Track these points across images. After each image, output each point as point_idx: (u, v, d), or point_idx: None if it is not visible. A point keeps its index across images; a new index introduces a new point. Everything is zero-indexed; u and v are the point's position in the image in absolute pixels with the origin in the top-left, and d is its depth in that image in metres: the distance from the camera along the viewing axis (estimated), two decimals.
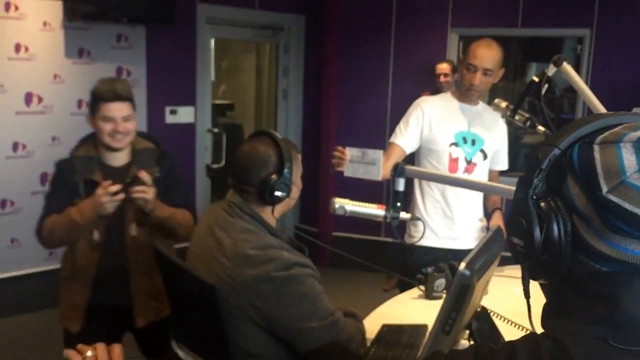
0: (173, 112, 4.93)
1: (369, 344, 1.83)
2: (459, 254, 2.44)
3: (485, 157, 2.75)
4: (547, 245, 0.84)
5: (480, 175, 2.74)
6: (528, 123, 2.54)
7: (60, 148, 3.97)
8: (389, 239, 5.24)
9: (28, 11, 4.06)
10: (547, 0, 4.92)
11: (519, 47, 5.92)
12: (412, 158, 2.80)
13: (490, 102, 2.73)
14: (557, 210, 0.84)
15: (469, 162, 2.72)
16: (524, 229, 0.87)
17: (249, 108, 7.50)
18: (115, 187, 2.15)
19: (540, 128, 2.52)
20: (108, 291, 2.31)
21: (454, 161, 2.70)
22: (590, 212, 0.82)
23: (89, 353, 1.09)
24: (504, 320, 1.76)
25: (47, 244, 2.32)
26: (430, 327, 1.38)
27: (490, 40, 2.67)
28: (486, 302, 1.69)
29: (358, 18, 5.38)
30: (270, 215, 1.77)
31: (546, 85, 2.50)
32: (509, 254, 0.95)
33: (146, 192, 2.18)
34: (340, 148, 2.28)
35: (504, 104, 2.61)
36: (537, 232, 0.85)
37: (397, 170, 2.03)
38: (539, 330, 0.90)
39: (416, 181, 2.82)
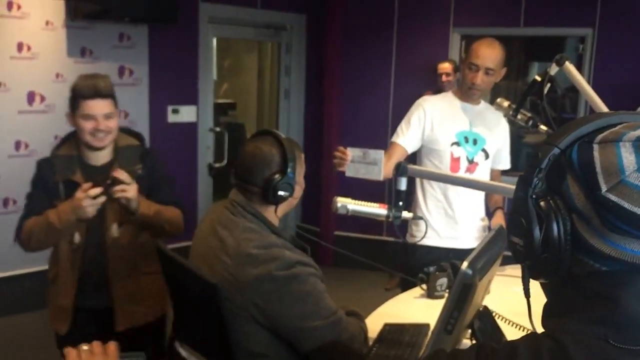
0: (175, 111, 4.93)
1: (371, 343, 1.83)
2: (461, 254, 2.45)
3: (486, 156, 2.75)
4: (547, 244, 0.84)
5: (481, 174, 2.74)
6: (530, 122, 2.54)
7: None
8: (391, 238, 5.24)
9: (30, 10, 4.07)
10: None
11: (521, 46, 5.91)
12: (413, 157, 2.80)
13: (492, 102, 2.73)
14: (556, 210, 0.84)
15: (470, 161, 2.72)
16: (524, 228, 0.87)
17: (251, 107, 7.50)
18: (95, 191, 2.03)
19: (543, 127, 2.52)
20: (90, 294, 2.24)
21: (455, 161, 2.70)
22: (589, 212, 0.82)
23: (85, 347, 1.13)
24: (504, 321, 1.76)
25: (26, 247, 2.21)
26: (432, 327, 1.38)
27: (492, 40, 2.67)
28: (488, 301, 1.69)
29: (360, 17, 5.38)
30: (273, 214, 1.78)
31: (548, 85, 2.50)
32: (510, 253, 0.95)
33: (127, 191, 2.08)
34: (341, 148, 2.28)
35: (506, 103, 2.60)
36: (536, 232, 0.85)
37: (400, 170, 2.04)
38: (540, 329, 0.91)
39: (418, 181, 2.82)
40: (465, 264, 1.27)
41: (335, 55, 5.42)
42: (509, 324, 1.75)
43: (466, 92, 2.71)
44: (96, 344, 1.15)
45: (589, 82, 3.41)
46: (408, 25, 5.26)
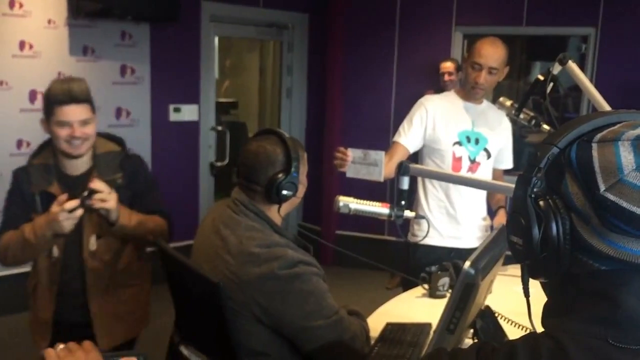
0: (177, 110, 4.93)
1: (372, 342, 1.83)
2: (463, 253, 2.45)
3: (489, 156, 2.75)
4: (546, 243, 0.84)
5: (484, 174, 2.74)
6: (533, 122, 2.54)
7: None
8: (393, 238, 5.24)
9: (32, 9, 4.07)
10: None
11: (523, 45, 5.90)
12: (415, 157, 2.80)
13: (494, 101, 2.72)
14: (555, 209, 0.84)
15: (472, 161, 2.71)
16: (523, 228, 0.87)
17: (253, 106, 7.50)
18: (72, 204, 1.89)
19: (545, 127, 2.52)
20: (69, 309, 2.15)
21: (457, 160, 2.70)
22: (588, 211, 0.82)
23: (61, 346, 1.17)
24: (506, 320, 1.76)
25: (3, 262, 2.09)
26: (434, 326, 1.38)
27: (494, 39, 2.67)
28: (490, 301, 1.69)
29: (362, 16, 5.37)
30: (276, 213, 1.78)
31: (551, 84, 2.49)
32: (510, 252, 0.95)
33: (106, 201, 1.95)
34: (342, 149, 2.28)
35: (508, 103, 2.60)
36: (535, 231, 0.85)
37: (402, 169, 2.03)
38: (540, 329, 0.90)
39: (419, 180, 2.82)
40: (467, 264, 1.26)
41: (338, 54, 5.42)
42: (511, 323, 1.75)
43: (469, 92, 2.71)
44: (72, 343, 1.18)
45: (591, 82, 3.39)
46: (410, 24, 5.25)
